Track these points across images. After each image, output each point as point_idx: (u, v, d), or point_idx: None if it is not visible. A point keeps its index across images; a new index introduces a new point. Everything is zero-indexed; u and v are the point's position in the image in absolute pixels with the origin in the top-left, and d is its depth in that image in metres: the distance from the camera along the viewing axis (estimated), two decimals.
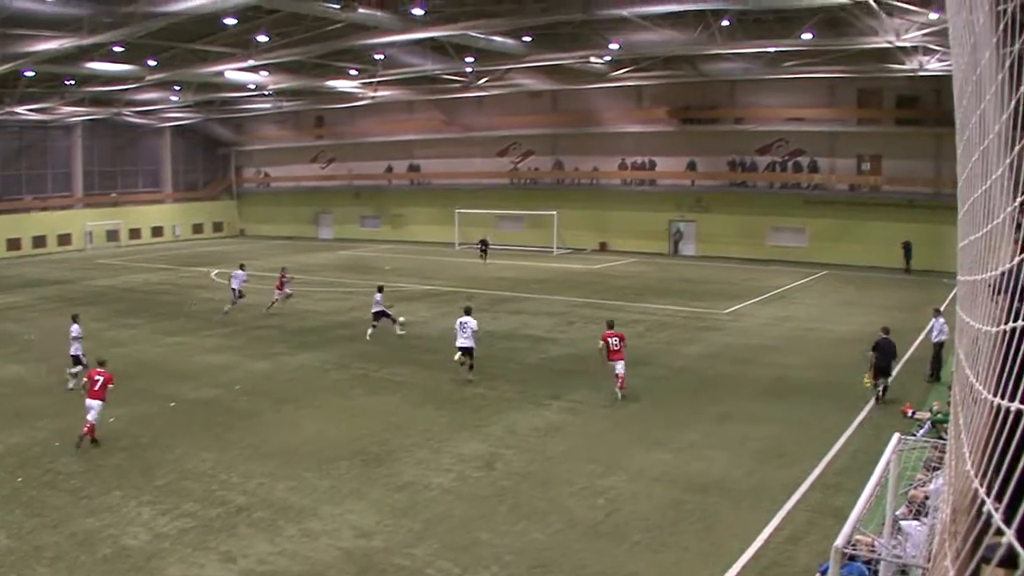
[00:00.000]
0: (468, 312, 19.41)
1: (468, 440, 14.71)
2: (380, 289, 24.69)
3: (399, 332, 23.87)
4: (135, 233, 61.63)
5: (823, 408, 16.61)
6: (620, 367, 17.38)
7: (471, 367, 18.86)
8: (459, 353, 18.87)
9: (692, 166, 49.20)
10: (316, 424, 15.73)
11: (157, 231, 63.09)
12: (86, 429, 14.33)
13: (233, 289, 28.56)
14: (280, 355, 21.67)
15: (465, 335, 18.83)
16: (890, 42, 30.54)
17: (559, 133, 54.16)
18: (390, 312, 24.19)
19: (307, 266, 42.01)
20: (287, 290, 28.79)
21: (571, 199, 53.21)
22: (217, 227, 67.92)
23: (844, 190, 45.21)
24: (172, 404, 17.02)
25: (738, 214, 47.73)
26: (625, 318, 27.00)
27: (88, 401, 14.50)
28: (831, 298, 32.44)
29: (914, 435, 10.39)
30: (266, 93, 51.48)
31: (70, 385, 17.84)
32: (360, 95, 51.96)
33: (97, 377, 14.68)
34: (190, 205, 66.24)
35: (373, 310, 24.21)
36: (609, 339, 17.61)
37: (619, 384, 17.28)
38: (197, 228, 66.15)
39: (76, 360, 18.28)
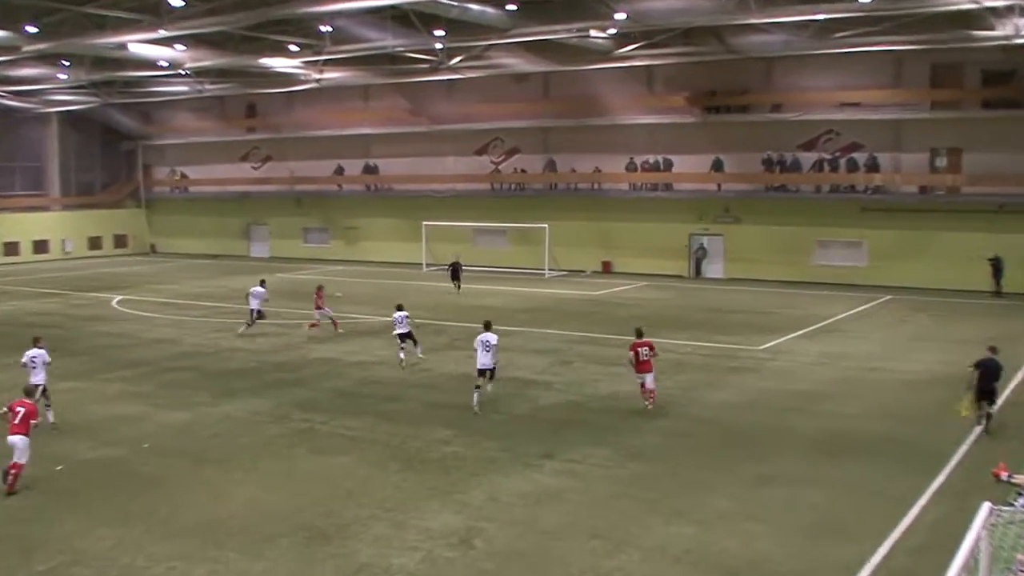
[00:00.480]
0: (488, 327, 21.26)
1: (439, 511, 14.55)
2: (400, 308, 26.26)
3: (419, 356, 26.07)
4: (10, 248, 61.29)
5: (890, 469, 16.59)
6: (650, 380, 20.58)
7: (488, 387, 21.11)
8: (479, 377, 20.78)
9: (718, 166, 49.67)
10: (246, 491, 15.53)
11: (41, 246, 62.85)
12: (11, 474, 15.22)
13: (252, 310, 31.11)
14: (200, 404, 21.47)
15: (488, 353, 20.82)
16: (976, 2, 30.56)
17: (552, 126, 54.54)
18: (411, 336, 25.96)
19: (235, 293, 41.85)
20: (326, 310, 31.67)
21: (567, 208, 53.50)
22: (120, 242, 67.81)
23: (913, 193, 45.78)
24: (59, 467, 16.77)
25: (777, 225, 48.16)
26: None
27: (9, 439, 15.37)
28: (897, 330, 32.58)
29: (1011, 505, 10.26)
30: (183, 73, 51.56)
31: None
32: (302, 77, 52.17)
33: (19, 408, 15.54)
34: (85, 214, 66.17)
35: (397, 331, 25.61)
36: (639, 348, 20.55)
37: (649, 397, 20.46)
38: (94, 243, 66.02)
39: None
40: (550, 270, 51.14)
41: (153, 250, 68.24)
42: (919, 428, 19.29)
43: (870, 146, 46.11)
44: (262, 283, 32.32)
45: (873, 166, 46.01)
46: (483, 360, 20.76)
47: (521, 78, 53.24)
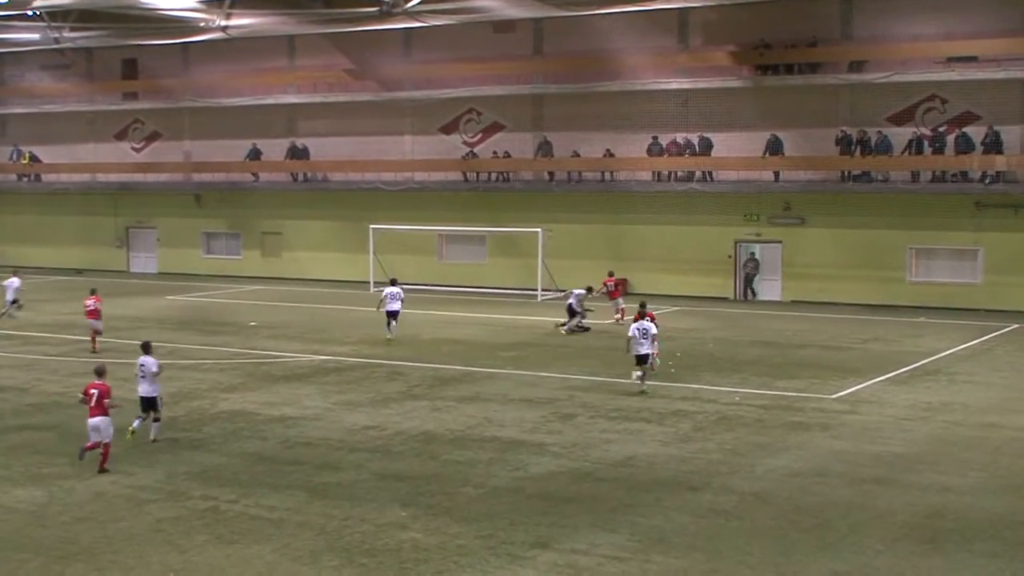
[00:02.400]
0: (644, 306, 28.40)
1: None
2: (394, 282, 30.21)
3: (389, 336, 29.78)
4: None
5: (1018, 564, 16.67)
6: (619, 302, 27.09)
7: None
8: (636, 366, 25.39)
9: (775, 147, 50.11)
10: None
11: None
12: (102, 455, 21.34)
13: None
14: (60, 477, 21.39)
15: (645, 339, 27.82)
16: None
17: (546, 93, 54.94)
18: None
19: (109, 320, 41.80)
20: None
21: (567, 207, 53.83)
22: None
23: None
24: None
25: (856, 228, 48.67)
26: (661, 408, 27.20)
27: (90, 421, 21.34)
28: None
29: None
30: (31, 14, 51.49)
31: None
32: (202, 24, 52.41)
33: (93, 391, 21.39)
34: None
35: (389, 307, 30.81)
36: (607, 284, 25.78)
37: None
38: None
39: None
40: (544, 291, 51.40)
41: None
42: None
43: (990, 118, 46.62)
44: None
45: (993, 145, 46.41)
46: (640, 346, 28.70)
47: (504, 27, 53.65)
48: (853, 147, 48.78)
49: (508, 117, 56.01)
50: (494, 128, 56.45)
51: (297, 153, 60.87)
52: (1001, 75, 45.94)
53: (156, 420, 23.97)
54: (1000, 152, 46.13)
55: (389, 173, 57.89)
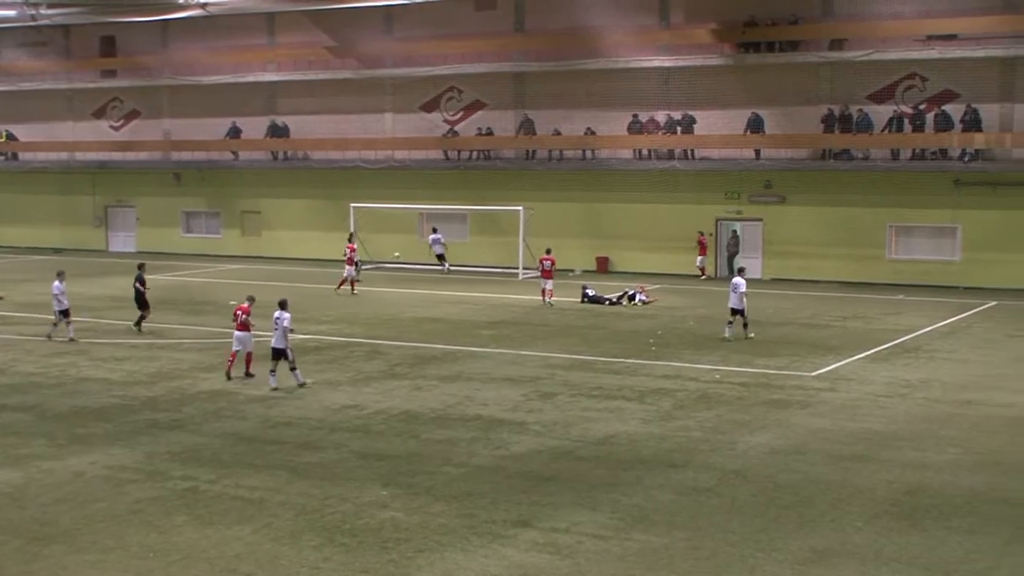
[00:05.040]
0: (735, 265, 34.86)
1: None
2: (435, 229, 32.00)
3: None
4: None
5: (992, 540, 16.74)
6: (549, 284, 36.27)
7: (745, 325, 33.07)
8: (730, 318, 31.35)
9: (756, 125, 50.16)
10: None
11: None
12: (246, 361, 28.11)
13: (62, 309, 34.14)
14: (38, 458, 21.33)
15: (736, 293, 33.13)
16: None
17: (528, 71, 54.80)
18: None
19: (87, 301, 41.63)
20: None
21: (549, 185, 53.79)
22: None
23: None
24: None
25: (837, 206, 48.81)
26: (642, 386, 27.24)
27: (236, 334, 27.93)
28: (1002, 349, 32.96)
29: None
30: None
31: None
32: (181, 0, 52.07)
33: (239, 312, 28.15)
34: None
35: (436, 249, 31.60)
36: (543, 262, 36.53)
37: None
38: None
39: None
40: (525, 269, 51.37)
41: None
42: None
43: (968, 95, 46.73)
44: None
45: (973, 123, 46.53)
46: (734, 301, 32.82)
47: (485, 4, 53.51)
48: (834, 125, 48.82)
49: (489, 95, 55.87)
50: (475, 106, 56.31)
51: (277, 131, 60.64)
52: (980, 53, 46.02)
53: (293, 369, 26.93)
54: (979, 130, 46.22)
55: (370, 151, 57.69)
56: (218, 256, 60.37)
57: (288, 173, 60.49)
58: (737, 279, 34.00)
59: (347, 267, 45.00)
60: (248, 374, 28.01)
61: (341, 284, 45.18)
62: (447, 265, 52.96)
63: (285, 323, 26.89)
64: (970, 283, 45.73)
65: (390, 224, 54.96)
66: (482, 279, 50.92)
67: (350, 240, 47.00)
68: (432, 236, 54.00)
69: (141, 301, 35.68)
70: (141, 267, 36.66)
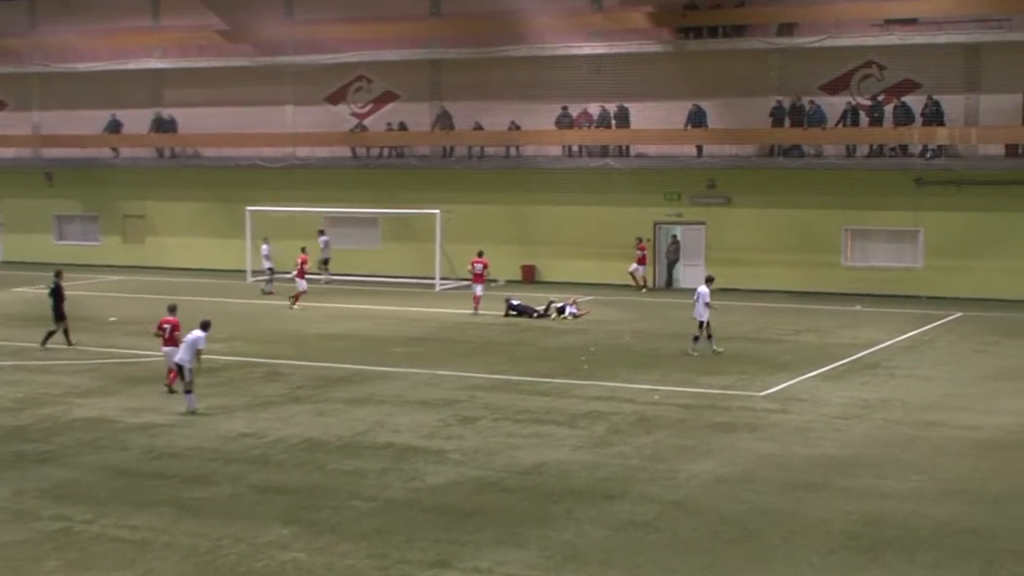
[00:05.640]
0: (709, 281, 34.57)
1: None
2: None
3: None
4: None
5: (962, 575, 16.86)
6: (479, 289, 37.82)
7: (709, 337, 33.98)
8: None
9: (698, 119, 50.52)
10: None
11: None
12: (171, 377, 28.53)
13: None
14: None
15: (700, 304, 33.91)
16: None
17: (445, 59, 54.79)
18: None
19: None
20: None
21: (469, 185, 53.80)
22: None
23: (996, 157, 47.30)
24: None
25: (787, 208, 49.24)
26: (573, 409, 27.23)
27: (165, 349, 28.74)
28: (969, 365, 33.36)
29: None
30: None
31: None
32: None
33: (166, 325, 28.82)
34: None
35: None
36: (475, 264, 37.89)
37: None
38: None
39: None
40: (443, 280, 51.40)
41: None
42: (1005, 513, 19.64)
43: (930, 86, 47.29)
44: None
45: (935, 115, 47.01)
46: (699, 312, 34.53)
47: None
48: (783, 118, 49.25)
49: (402, 85, 55.82)
50: (387, 97, 56.25)
51: (163, 125, 60.18)
52: (943, 39, 46.64)
53: (188, 391, 27.06)
54: (942, 124, 46.75)
55: (268, 148, 57.45)
56: (96, 266, 59.42)
57: (176, 172, 59.99)
58: (702, 288, 34.49)
59: (298, 280, 45.06)
60: (170, 390, 28.50)
61: (295, 299, 45.06)
62: (328, 274, 53.65)
63: (200, 344, 27.06)
64: (933, 292, 46.31)
65: (291, 229, 54.45)
66: (395, 291, 50.76)
67: (303, 251, 46.84)
68: (322, 239, 54.20)
69: (59, 313, 35.71)
70: (59, 275, 36.90)
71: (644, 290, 50.25)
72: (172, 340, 28.33)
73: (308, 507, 19.83)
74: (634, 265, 50.30)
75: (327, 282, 52.92)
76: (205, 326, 27.48)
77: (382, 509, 19.98)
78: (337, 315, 43.70)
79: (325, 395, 29.01)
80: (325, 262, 54.01)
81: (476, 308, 42.66)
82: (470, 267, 43.72)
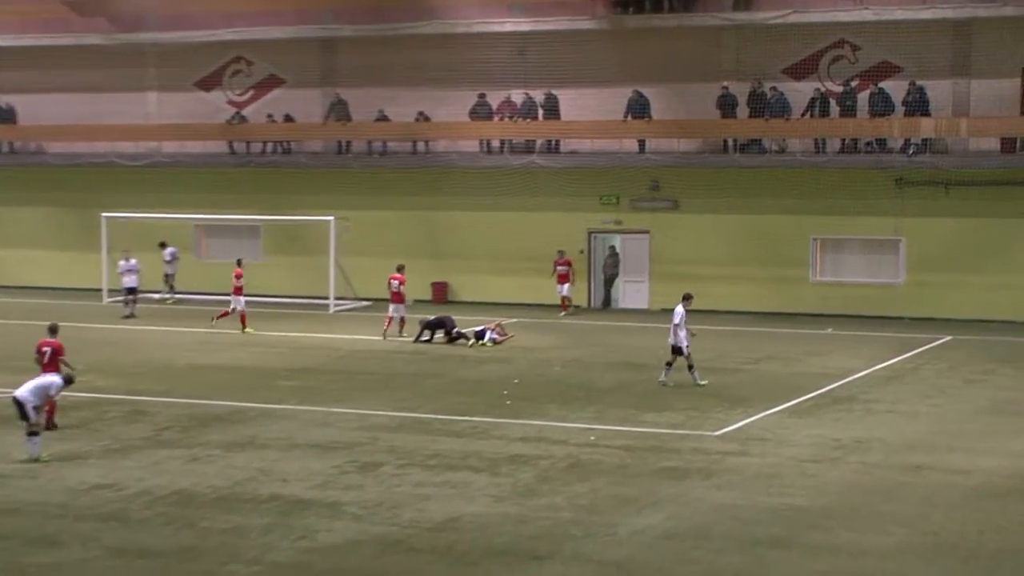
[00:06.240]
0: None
1: None
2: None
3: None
4: None
5: None
6: (392, 309, 39.09)
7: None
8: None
9: (640, 108, 50.77)
10: None
11: None
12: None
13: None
14: None
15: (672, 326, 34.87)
16: None
17: (339, 37, 54.69)
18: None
19: None
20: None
21: (368, 188, 53.76)
22: None
23: (991, 153, 47.79)
24: None
25: (744, 213, 49.55)
26: (494, 453, 27.28)
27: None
28: (960, 397, 33.66)
29: None
30: None
31: None
32: None
33: (45, 348, 29.49)
34: None
35: None
36: (392, 281, 39.88)
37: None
38: None
39: None
40: (338, 300, 51.40)
41: None
42: (1004, 573, 19.77)
43: (913, 70, 47.71)
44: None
45: (918, 105, 47.35)
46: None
47: None
48: (732, 108, 49.46)
49: (289, 69, 55.80)
50: (270, 83, 56.19)
51: None
52: (927, 14, 47.00)
53: (32, 434, 26.63)
54: (927, 114, 47.14)
55: (127, 143, 57.19)
56: None
57: (14, 171, 59.56)
58: (678, 308, 34.79)
59: (235, 298, 45.95)
60: (52, 424, 28.97)
61: (243, 323, 45.84)
62: (171, 292, 54.53)
63: (52, 391, 27.46)
64: (917, 312, 46.87)
65: (157, 240, 54.10)
66: (281, 313, 50.64)
67: (238, 264, 47.37)
68: (167, 251, 54.60)
69: None
70: None
71: (563, 313, 50.30)
72: (53, 366, 28.84)
73: (177, 573, 19.65)
74: (560, 286, 50.47)
75: (171, 301, 53.46)
76: (68, 380, 27.99)
77: (265, 574, 19.96)
78: (212, 342, 43.57)
79: (198, 438, 28.77)
80: (168, 277, 54.33)
81: (386, 332, 43.24)
82: (388, 284, 44.36)
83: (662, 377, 34.72)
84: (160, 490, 24.42)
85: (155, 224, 54.23)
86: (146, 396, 33.70)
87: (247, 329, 45.33)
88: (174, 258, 54.47)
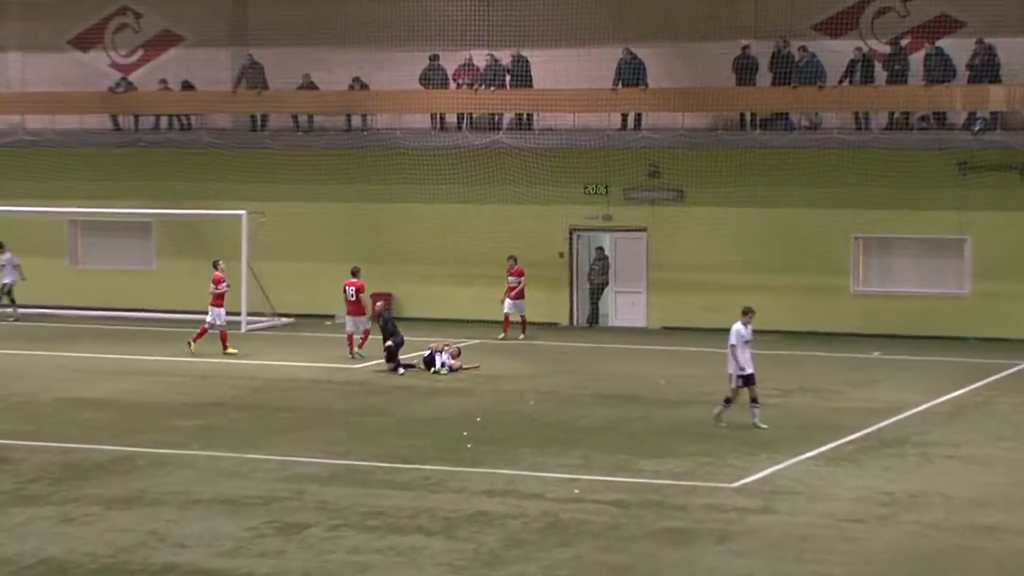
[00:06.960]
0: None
1: None
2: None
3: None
4: None
5: None
6: (350, 324, 44.38)
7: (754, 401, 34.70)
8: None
9: (633, 74, 51.05)
10: None
11: None
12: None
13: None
14: None
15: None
16: None
17: None
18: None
19: None
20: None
21: (291, 174, 53.99)
22: None
23: None
24: None
25: (765, 207, 49.65)
26: (451, 510, 27.11)
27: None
28: None
29: None
30: None
31: None
32: None
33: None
34: None
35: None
36: (347, 288, 41.85)
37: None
38: None
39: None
40: (252, 316, 51.52)
41: None
42: None
43: (979, 25, 47.81)
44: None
45: (988, 70, 47.40)
46: None
47: None
48: (748, 76, 49.77)
49: (188, 23, 55.93)
50: (164, 40, 56.34)
51: None
52: None
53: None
54: (997, 80, 47.18)
55: None
56: None
57: None
58: (737, 326, 35.08)
59: (213, 310, 46.86)
60: None
61: (224, 344, 46.58)
62: (14, 308, 54.91)
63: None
64: (986, 331, 47.07)
65: (21, 239, 54.00)
66: (179, 332, 50.40)
67: (215, 267, 48.20)
68: (3, 257, 54.57)
69: None
70: None
71: (522, 336, 50.24)
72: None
73: None
74: (506, 301, 50.06)
75: (13, 319, 53.74)
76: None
77: None
78: (90, 369, 43.49)
79: (73, 492, 28.53)
80: (5, 288, 54.65)
81: (355, 350, 44.15)
82: (343, 291, 45.22)
83: (716, 412, 34.89)
84: (25, 558, 24.14)
85: (15, 219, 54.09)
86: (7, 439, 33.47)
87: (229, 349, 45.91)
88: (12, 267, 54.25)
